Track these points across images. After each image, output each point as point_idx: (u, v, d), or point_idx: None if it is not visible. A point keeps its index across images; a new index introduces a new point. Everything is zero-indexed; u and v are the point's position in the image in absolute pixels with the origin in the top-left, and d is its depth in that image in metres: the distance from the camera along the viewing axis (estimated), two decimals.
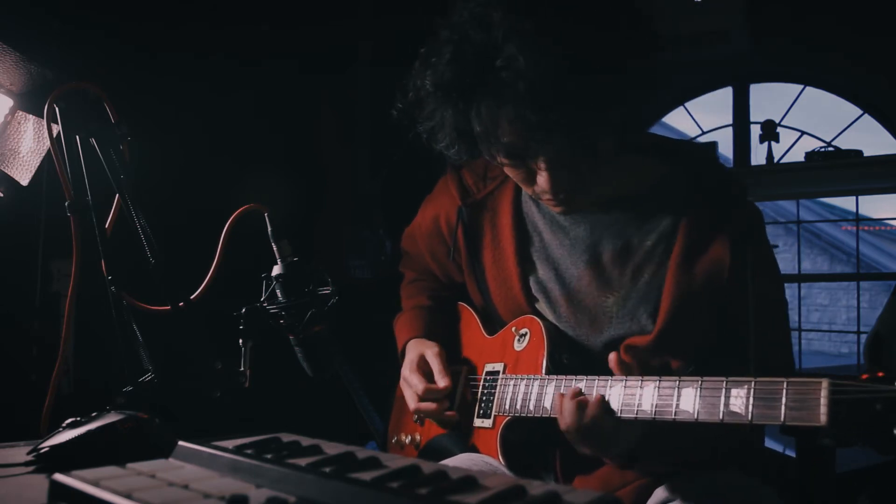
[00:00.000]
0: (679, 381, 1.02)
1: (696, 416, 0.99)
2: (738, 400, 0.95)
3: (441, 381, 1.32)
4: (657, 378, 1.05)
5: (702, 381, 1.00)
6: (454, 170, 1.44)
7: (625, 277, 1.23)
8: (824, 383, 0.87)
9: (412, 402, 1.36)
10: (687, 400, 1.00)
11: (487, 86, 1.06)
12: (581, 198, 1.21)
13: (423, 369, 1.37)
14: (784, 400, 0.90)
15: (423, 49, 1.14)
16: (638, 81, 1.10)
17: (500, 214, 1.36)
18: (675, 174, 1.25)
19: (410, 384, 1.36)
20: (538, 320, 1.27)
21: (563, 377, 1.16)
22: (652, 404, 1.04)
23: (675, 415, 1.01)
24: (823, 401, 0.86)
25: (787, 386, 0.90)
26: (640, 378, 1.07)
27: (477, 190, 1.40)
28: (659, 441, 1.13)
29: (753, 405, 0.93)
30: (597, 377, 1.12)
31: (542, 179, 1.14)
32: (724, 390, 0.97)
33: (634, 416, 1.05)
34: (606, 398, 1.09)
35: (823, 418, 0.86)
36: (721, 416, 0.96)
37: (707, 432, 1.04)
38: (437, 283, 1.58)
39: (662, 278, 1.20)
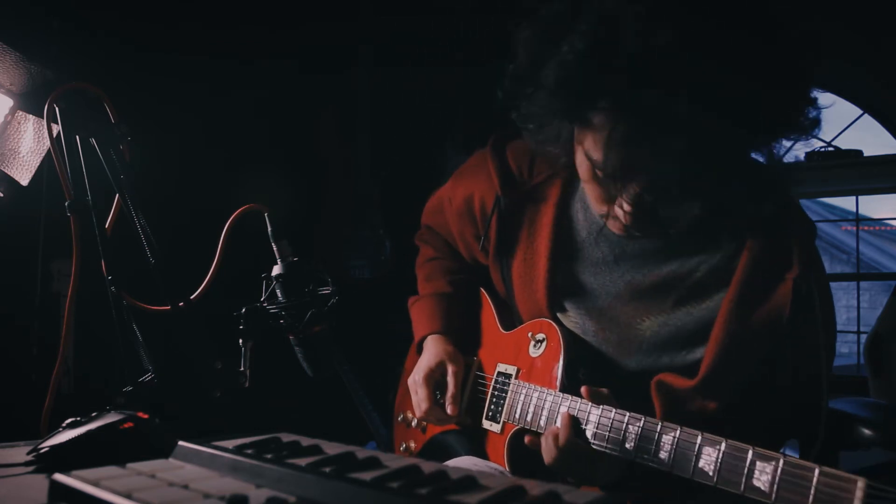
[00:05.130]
0: (701, 436, 0.95)
1: (715, 481, 0.92)
2: (764, 476, 0.88)
3: (449, 409, 1.28)
4: (677, 427, 0.98)
5: (724, 444, 0.92)
6: (497, 147, 1.31)
7: (666, 304, 1.16)
8: (860, 483, 0.79)
9: (417, 411, 1.33)
10: (707, 462, 0.93)
11: (614, 109, 0.95)
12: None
13: (435, 380, 1.32)
14: (813, 491, 0.83)
15: (554, 24, 0.99)
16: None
17: (541, 213, 1.26)
18: (735, 199, 1.11)
19: (418, 395, 1.32)
20: (556, 327, 1.21)
21: (579, 399, 1.10)
22: (670, 456, 0.97)
23: (692, 475, 0.94)
24: (857, 503, 0.79)
25: (819, 476, 0.83)
26: (658, 422, 1.00)
27: (521, 179, 1.28)
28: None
29: (779, 486, 0.86)
30: (613, 409, 1.05)
31: (621, 213, 1.06)
32: (748, 461, 0.89)
33: (650, 462, 0.99)
34: (622, 436, 1.02)
35: None
36: (742, 489, 0.89)
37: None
38: (458, 264, 1.49)
39: (705, 312, 1.13)
